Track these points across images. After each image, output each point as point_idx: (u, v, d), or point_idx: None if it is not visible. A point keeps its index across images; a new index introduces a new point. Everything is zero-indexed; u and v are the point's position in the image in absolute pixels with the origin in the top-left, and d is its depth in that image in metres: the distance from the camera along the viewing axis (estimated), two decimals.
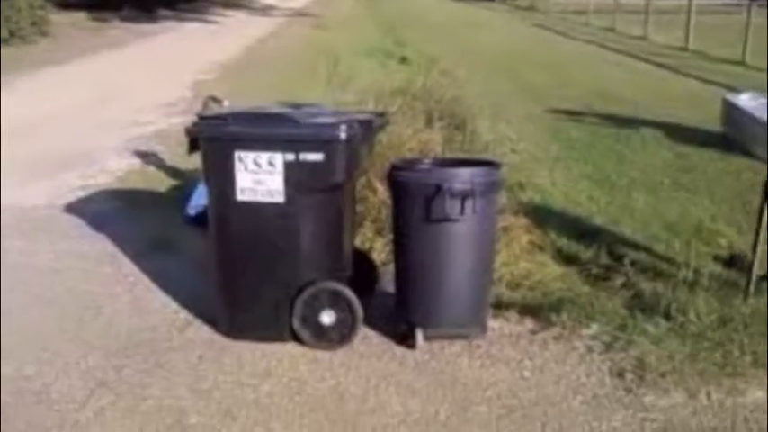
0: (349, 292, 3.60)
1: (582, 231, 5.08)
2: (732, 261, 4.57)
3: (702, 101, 9.37)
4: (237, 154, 3.50)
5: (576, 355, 3.52)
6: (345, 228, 3.81)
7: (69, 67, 13.72)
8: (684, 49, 15.20)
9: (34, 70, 12.96)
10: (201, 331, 3.80)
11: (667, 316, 3.68)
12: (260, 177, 3.50)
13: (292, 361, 3.51)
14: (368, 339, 3.69)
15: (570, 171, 6.71)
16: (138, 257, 4.70)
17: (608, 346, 3.54)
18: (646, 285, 4.10)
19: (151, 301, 4.16)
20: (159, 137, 8.04)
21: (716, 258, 4.70)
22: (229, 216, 3.63)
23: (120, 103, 10.12)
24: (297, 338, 3.62)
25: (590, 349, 3.54)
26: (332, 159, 3.48)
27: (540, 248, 4.69)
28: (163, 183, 6.42)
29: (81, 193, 6.12)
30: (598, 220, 5.38)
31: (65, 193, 6.08)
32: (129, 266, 4.62)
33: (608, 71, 12.81)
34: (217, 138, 3.57)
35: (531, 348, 3.58)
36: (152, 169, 6.89)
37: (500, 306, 3.95)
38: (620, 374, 3.33)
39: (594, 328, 3.68)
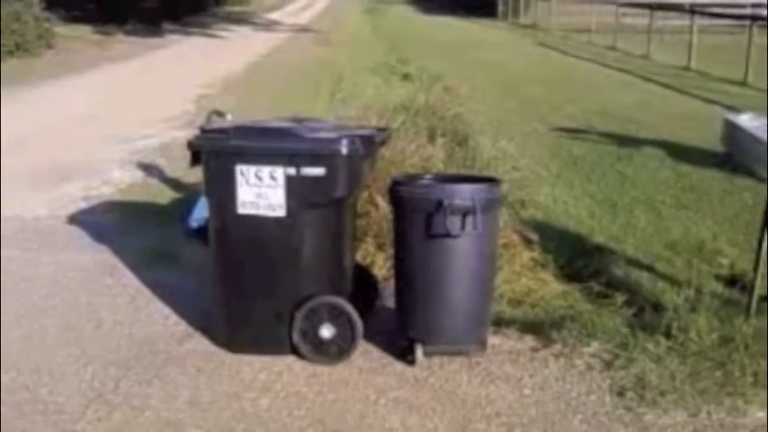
0: (349, 307, 3.59)
1: (583, 249, 5.08)
2: (733, 281, 4.56)
3: (704, 121, 9.37)
4: (239, 167, 3.50)
5: (577, 372, 3.50)
6: (346, 242, 3.81)
7: (73, 79, 13.78)
8: (687, 69, 15.23)
9: (39, 82, 13.02)
10: (201, 344, 3.79)
11: (668, 335, 3.66)
12: (261, 191, 3.50)
13: (291, 375, 3.50)
14: (368, 354, 3.67)
15: (572, 189, 6.72)
16: (138, 269, 4.69)
17: (608, 365, 3.53)
18: (647, 304, 4.09)
19: (151, 312, 4.16)
20: (162, 150, 8.06)
21: (717, 277, 4.70)
22: (230, 229, 3.63)
23: (124, 116, 10.15)
24: (296, 352, 3.61)
25: (590, 367, 3.53)
26: (333, 174, 3.49)
27: (542, 266, 4.68)
28: (165, 195, 6.43)
29: (83, 205, 6.14)
30: (600, 238, 5.38)
31: (66, 204, 6.09)
32: (129, 278, 4.61)
33: (610, 90, 12.83)
34: (218, 151, 3.58)
35: (532, 366, 3.56)
36: (154, 182, 6.91)
37: (500, 323, 3.94)
38: (621, 393, 3.31)
39: (595, 345, 3.66)
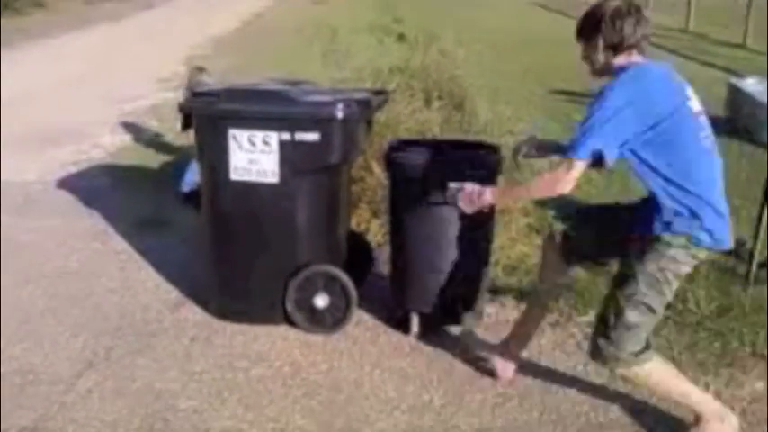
0: (344, 276, 3.53)
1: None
2: (732, 248, 4.51)
3: (702, 84, 9.19)
4: (231, 132, 3.40)
5: (573, 342, 3.47)
6: (341, 210, 3.74)
7: (62, 40, 13.54)
8: (684, 31, 15.06)
9: (27, 43, 12.79)
10: (193, 312, 3.74)
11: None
12: (254, 157, 3.41)
13: (285, 345, 3.45)
14: (362, 323, 3.63)
15: None
16: (129, 235, 4.63)
17: None
18: None
19: (143, 280, 4.10)
20: (153, 111, 7.93)
21: None
22: (222, 196, 3.54)
23: (114, 77, 9.99)
24: (290, 322, 3.56)
25: (587, 337, 3.46)
26: (328, 139, 3.39)
27: (537, 231, 4.62)
28: (156, 159, 6.33)
29: (72, 169, 6.04)
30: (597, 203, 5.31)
31: (56, 169, 5.99)
32: (120, 244, 4.55)
33: None
34: (210, 115, 3.47)
35: None
36: (144, 145, 6.80)
37: (496, 291, 3.89)
38: None
39: (592, 315, 3.61)
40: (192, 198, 4.87)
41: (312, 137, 3.37)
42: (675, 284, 2.69)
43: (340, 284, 3.52)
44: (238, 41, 13.37)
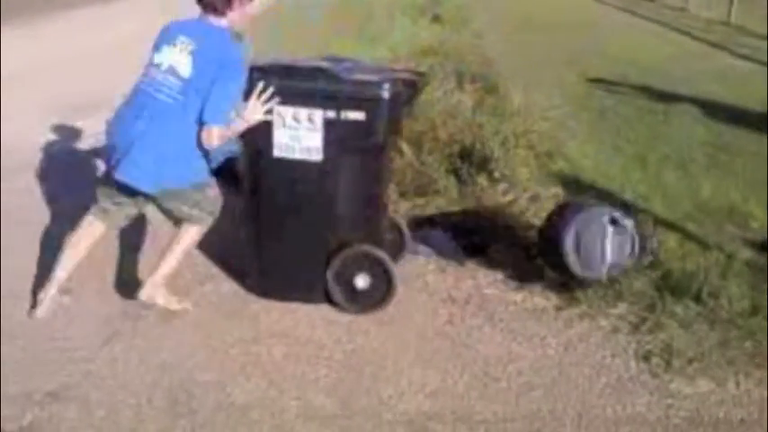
0: (386, 257, 3.50)
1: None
2: (764, 246, 4.42)
3: (742, 78, 9.09)
4: (276, 109, 3.36)
5: (602, 334, 3.42)
6: (383, 190, 3.70)
7: (88, 11, 13.57)
8: (726, 24, 14.75)
9: (53, 13, 12.82)
10: (221, 286, 3.75)
11: (698, 300, 3.56)
12: (298, 134, 3.37)
13: (310, 323, 3.44)
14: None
15: (601, 143, 6.54)
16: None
17: (635, 328, 3.43)
18: (675, 266, 3.97)
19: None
20: None
21: (746, 242, 4.56)
22: (265, 173, 3.51)
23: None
24: (330, 301, 3.54)
25: (616, 329, 3.44)
26: (374, 119, 3.35)
27: None
28: None
29: (101, 138, 6.05)
30: (629, 195, 5.24)
31: (84, 138, 6.01)
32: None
33: (644, 41, 12.48)
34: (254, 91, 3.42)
35: (556, 325, 3.48)
36: None
37: (524, 279, 3.85)
38: (647, 358, 3.22)
39: (622, 307, 3.57)
40: (219, 173, 4.86)
41: (357, 116, 3.33)
42: None
43: (382, 266, 3.49)
44: (272, 17, 13.31)
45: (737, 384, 3.06)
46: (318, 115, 3.33)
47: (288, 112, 3.35)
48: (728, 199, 5.32)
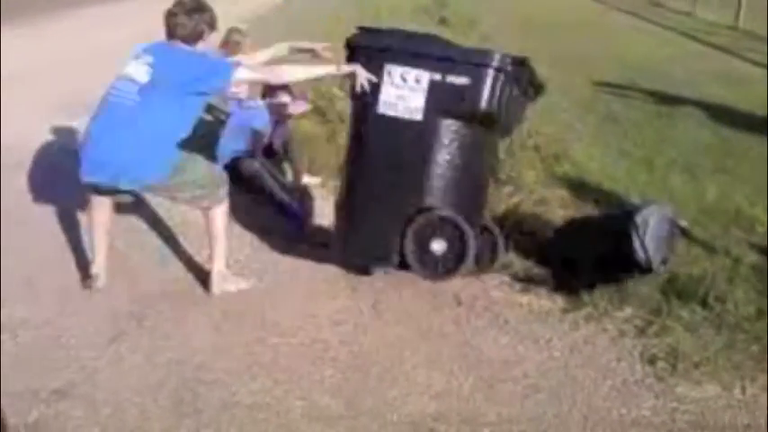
0: (464, 224, 3.45)
1: (618, 209, 4.93)
2: None
3: (750, 83, 9.06)
4: (387, 67, 3.46)
5: (608, 337, 3.41)
6: (481, 166, 3.70)
7: (94, 10, 13.61)
8: (734, 28, 14.70)
9: (56, 13, 12.85)
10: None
11: (704, 304, 3.55)
12: (403, 93, 3.45)
13: (316, 323, 3.45)
14: (394, 307, 3.61)
15: (608, 146, 6.53)
16: (164, 206, 4.62)
17: (641, 331, 3.42)
18: (681, 270, 3.96)
19: (179, 251, 4.11)
20: None
21: (752, 246, 4.55)
22: (367, 129, 3.58)
23: None
24: (403, 265, 3.54)
25: (622, 333, 3.43)
26: (478, 85, 3.39)
27: None
28: None
29: None
30: (635, 199, 5.23)
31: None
32: (158, 214, 4.55)
33: (651, 45, 12.46)
34: (371, 47, 3.54)
35: (561, 327, 3.48)
36: None
37: (531, 281, 3.85)
38: (652, 361, 3.21)
39: (628, 311, 3.56)
40: (227, 170, 4.86)
41: (462, 80, 3.39)
42: None
43: (460, 233, 3.45)
44: (280, 17, 13.34)
45: (743, 389, 3.05)
46: (425, 76, 3.42)
47: (397, 71, 3.45)
48: (734, 203, 5.30)
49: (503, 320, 3.52)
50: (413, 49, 3.47)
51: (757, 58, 11.20)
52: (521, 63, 3.52)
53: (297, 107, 5.67)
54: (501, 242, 3.91)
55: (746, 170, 6.12)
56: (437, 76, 3.41)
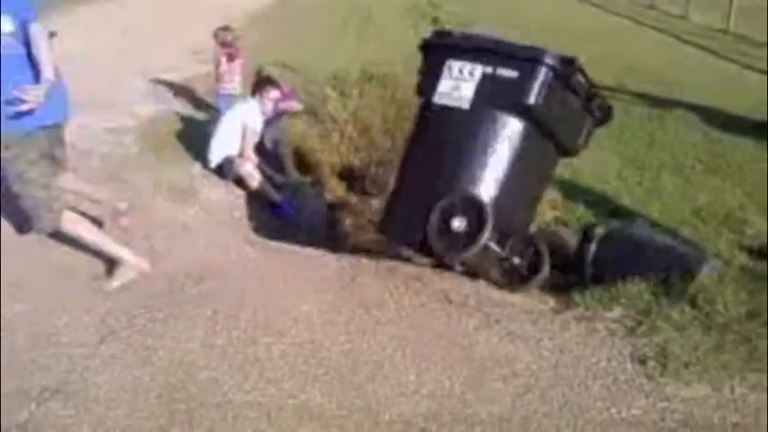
0: (483, 203, 3.62)
1: (609, 210, 4.97)
2: (761, 252, 4.45)
3: (741, 86, 9.12)
4: (449, 62, 3.69)
5: (598, 337, 3.43)
6: (526, 163, 3.77)
7: (93, 9, 13.57)
8: (725, 32, 14.77)
9: (55, 12, 12.79)
10: (217, 285, 3.74)
11: (693, 304, 3.57)
12: (458, 84, 3.66)
13: (307, 322, 3.45)
14: (385, 305, 3.61)
15: (601, 148, 6.55)
16: (159, 205, 4.63)
17: (631, 331, 3.44)
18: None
19: (171, 251, 4.10)
20: (186, 83, 7.94)
21: (742, 247, 4.59)
22: (423, 119, 3.84)
23: (146, 48, 10.00)
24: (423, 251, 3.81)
25: (612, 333, 3.45)
26: (526, 80, 3.55)
27: (565, 224, 4.59)
28: (185, 130, 6.35)
29: (102, 137, 6.06)
30: (626, 201, 5.27)
31: (86, 135, 6.01)
32: (152, 213, 4.55)
33: (644, 48, 12.50)
34: (438, 45, 3.88)
35: (552, 327, 3.49)
36: (173, 116, 6.81)
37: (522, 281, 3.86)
38: (642, 361, 3.23)
39: (618, 311, 3.58)
40: (220, 170, 4.88)
41: (511, 74, 3.57)
42: None
43: (478, 210, 3.59)
44: (273, 17, 13.33)
45: (732, 388, 3.07)
46: (478, 69, 3.63)
47: (456, 65, 3.67)
48: (725, 205, 5.35)
49: (494, 320, 3.52)
50: (471, 44, 3.72)
51: (749, 61, 11.27)
52: (569, 62, 3.67)
53: (289, 106, 5.70)
54: (546, 259, 3.85)
55: (737, 173, 6.17)
56: (489, 69, 3.60)
